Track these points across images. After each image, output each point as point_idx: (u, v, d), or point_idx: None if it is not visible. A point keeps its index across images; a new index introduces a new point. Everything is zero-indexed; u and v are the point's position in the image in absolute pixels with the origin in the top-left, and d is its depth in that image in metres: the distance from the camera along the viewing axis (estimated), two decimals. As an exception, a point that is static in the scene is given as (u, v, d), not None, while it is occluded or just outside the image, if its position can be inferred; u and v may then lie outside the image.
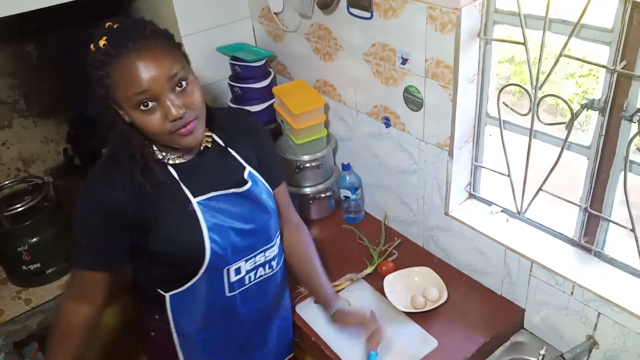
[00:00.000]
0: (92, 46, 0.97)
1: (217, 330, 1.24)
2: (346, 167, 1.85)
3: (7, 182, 1.97)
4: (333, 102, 1.88)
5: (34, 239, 1.86)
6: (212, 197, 1.12)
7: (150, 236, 1.09)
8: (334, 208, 2.00)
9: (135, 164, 1.06)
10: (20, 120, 2.31)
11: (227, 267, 1.15)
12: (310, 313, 1.53)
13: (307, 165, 1.86)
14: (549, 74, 1.25)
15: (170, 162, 1.11)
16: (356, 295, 1.59)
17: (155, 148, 1.10)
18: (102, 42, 0.95)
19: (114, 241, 1.10)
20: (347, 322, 1.32)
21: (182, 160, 1.13)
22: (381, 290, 1.57)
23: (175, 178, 1.11)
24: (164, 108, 0.98)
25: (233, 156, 1.20)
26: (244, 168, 1.19)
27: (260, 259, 1.22)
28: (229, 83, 2.02)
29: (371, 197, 1.93)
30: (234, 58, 1.96)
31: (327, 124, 1.93)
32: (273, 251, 1.24)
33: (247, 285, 1.22)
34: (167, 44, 1.01)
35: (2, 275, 1.97)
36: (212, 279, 1.15)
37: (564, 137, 1.30)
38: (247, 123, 1.27)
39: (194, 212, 1.09)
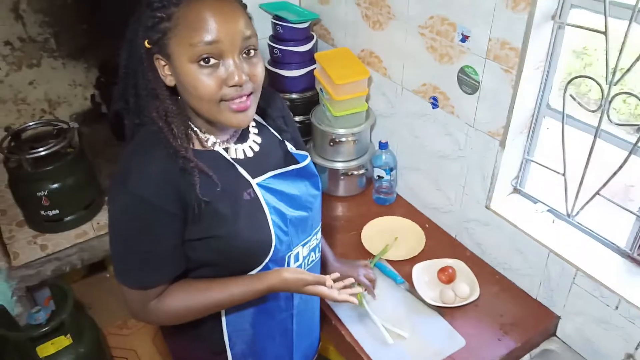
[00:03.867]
0: None
1: (270, 325, 1.10)
2: (383, 146, 1.75)
3: (31, 123, 1.92)
4: (377, 75, 1.77)
5: (55, 185, 1.81)
6: (271, 177, 1.00)
7: (204, 230, 0.92)
8: (364, 187, 1.91)
9: (185, 142, 0.90)
10: (49, 61, 2.24)
11: (288, 254, 1.02)
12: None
13: (343, 139, 1.77)
14: (629, 69, 1.13)
15: (217, 146, 0.97)
16: (380, 282, 1.52)
17: (194, 127, 0.95)
18: None
19: (171, 243, 0.91)
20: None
21: (226, 145, 0.98)
22: (408, 278, 1.50)
23: (229, 160, 0.97)
24: (227, 69, 0.85)
25: (272, 133, 1.10)
26: (286, 145, 1.10)
27: (313, 242, 1.10)
28: (268, 43, 1.91)
29: (405, 180, 1.84)
30: (276, 17, 1.85)
31: (367, 98, 1.83)
32: (320, 233, 1.14)
33: None
34: (243, 6, 0.91)
35: (20, 218, 1.94)
36: None
37: (629, 139, 1.19)
38: (277, 102, 1.16)
39: (257, 197, 0.96)
